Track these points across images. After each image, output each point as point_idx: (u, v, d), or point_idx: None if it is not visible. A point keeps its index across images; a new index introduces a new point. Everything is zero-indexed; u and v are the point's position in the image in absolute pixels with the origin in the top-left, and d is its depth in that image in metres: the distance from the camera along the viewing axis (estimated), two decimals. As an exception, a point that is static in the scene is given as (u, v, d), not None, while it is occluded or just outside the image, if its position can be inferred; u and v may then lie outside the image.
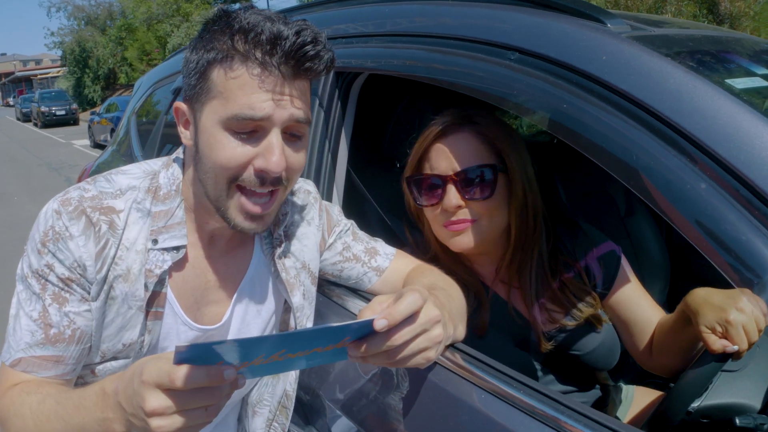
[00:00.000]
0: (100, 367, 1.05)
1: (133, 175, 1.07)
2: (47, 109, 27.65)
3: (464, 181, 1.27)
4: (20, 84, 64.26)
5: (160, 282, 1.03)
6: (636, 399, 1.56)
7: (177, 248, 1.04)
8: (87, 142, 18.43)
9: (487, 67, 1.14)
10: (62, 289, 0.98)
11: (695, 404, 1.19)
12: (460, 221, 1.29)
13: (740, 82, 1.02)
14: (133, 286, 1.01)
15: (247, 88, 0.93)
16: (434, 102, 1.68)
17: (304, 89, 0.99)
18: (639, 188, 0.89)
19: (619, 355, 1.81)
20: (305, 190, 1.29)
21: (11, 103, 56.87)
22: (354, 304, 1.31)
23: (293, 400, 1.29)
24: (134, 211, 1.03)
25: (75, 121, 27.81)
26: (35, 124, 29.47)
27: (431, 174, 1.31)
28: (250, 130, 0.95)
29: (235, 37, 0.93)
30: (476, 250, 1.34)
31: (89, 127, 18.37)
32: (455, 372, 1.09)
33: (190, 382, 0.73)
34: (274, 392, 1.26)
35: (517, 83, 1.08)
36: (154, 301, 1.04)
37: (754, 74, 1.10)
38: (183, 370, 0.73)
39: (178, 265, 1.06)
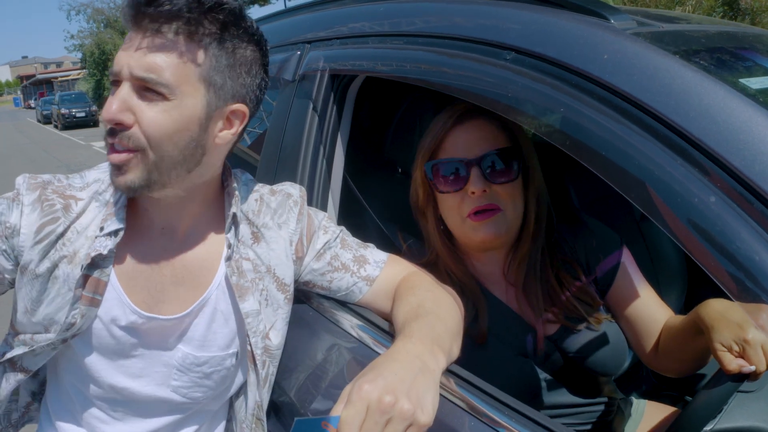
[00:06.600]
0: (39, 336, 1.08)
1: (102, 168, 1.11)
2: (67, 111, 27.97)
3: (488, 165, 1.25)
4: (41, 86, 65.44)
5: (93, 265, 1.03)
6: (647, 414, 1.50)
7: (116, 232, 1.04)
8: (105, 143, 18.66)
9: (481, 68, 1.07)
10: None
11: (708, 427, 1.12)
12: (486, 207, 1.26)
13: (757, 82, 0.93)
14: (75, 269, 1.04)
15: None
16: (437, 105, 1.61)
17: (163, 44, 0.95)
18: (640, 200, 0.81)
19: (631, 365, 1.77)
20: (286, 193, 1.23)
21: (32, 105, 57.78)
22: (345, 319, 1.24)
23: (265, 410, 1.23)
24: (94, 201, 1.07)
25: (94, 123, 28.02)
26: (55, 126, 29.79)
27: (455, 158, 1.27)
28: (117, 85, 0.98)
29: None
30: (498, 242, 1.31)
31: (107, 129, 18.63)
32: (450, 399, 1.01)
33: None
34: (247, 406, 1.22)
35: (513, 85, 1.00)
36: (90, 286, 1.04)
37: (772, 73, 1.01)
38: None
39: (124, 253, 1.08)
